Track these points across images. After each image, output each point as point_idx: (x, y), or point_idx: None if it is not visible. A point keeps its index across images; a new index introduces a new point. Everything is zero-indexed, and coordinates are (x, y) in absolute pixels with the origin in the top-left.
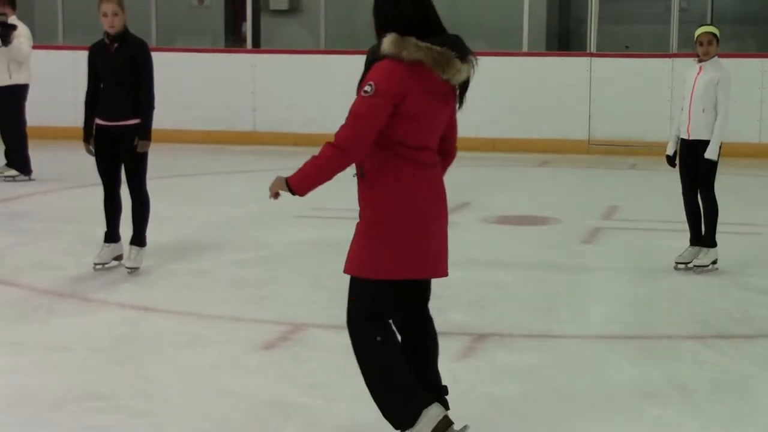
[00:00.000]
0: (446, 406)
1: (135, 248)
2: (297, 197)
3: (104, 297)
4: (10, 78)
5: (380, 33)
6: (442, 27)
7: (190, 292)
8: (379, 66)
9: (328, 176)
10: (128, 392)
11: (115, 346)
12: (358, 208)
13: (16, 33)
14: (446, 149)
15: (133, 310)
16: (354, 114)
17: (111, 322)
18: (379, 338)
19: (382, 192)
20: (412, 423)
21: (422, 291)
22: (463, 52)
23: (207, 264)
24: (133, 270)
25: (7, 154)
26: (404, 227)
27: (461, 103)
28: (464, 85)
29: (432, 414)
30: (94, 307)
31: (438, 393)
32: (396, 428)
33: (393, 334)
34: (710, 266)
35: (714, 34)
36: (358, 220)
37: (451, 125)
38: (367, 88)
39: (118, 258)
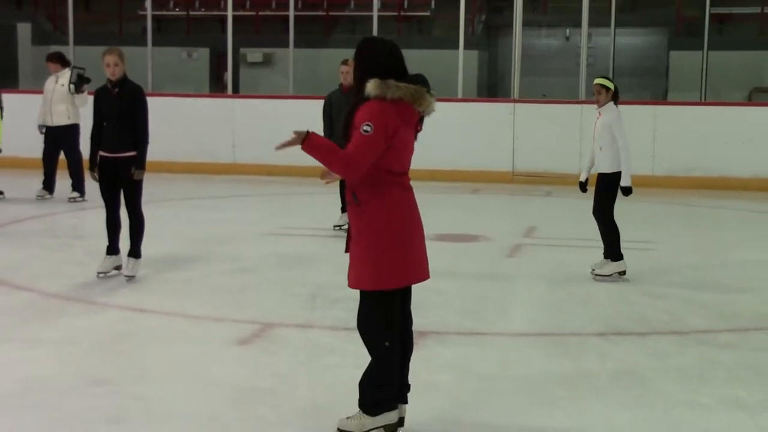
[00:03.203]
0: (405, 400)
1: (132, 259)
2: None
3: (106, 300)
4: (69, 118)
5: (363, 78)
6: (406, 70)
7: (178, 297)
8: (369, 107)
9: (326, 165)
10: (126, 379)
11: (115, 341)
12: (319, 227)
13: (86, 86)
14: None
15: (131, 311)
16: (357, 147)
17: (112, 321)
18: (387, 343)
19: (377, 215)
20: (374, 414)
21: (408, 294)
22: (429, 87)
23: (193, 273)
24: (130, 278)
25: (47, 183)
26: (401, 242)
27: (420, 127)
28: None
29: (391, 415)
30: (97, 308)
31: (403, 388)
32: (362, 411)
33: (397, 340)
34: (612, 276)
35: (602, 85)
36: (352, 241)
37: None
38: (366, 127)
39: (118, 268)
